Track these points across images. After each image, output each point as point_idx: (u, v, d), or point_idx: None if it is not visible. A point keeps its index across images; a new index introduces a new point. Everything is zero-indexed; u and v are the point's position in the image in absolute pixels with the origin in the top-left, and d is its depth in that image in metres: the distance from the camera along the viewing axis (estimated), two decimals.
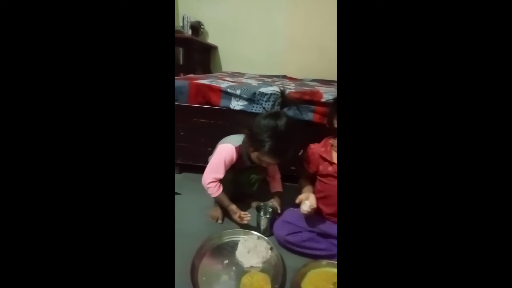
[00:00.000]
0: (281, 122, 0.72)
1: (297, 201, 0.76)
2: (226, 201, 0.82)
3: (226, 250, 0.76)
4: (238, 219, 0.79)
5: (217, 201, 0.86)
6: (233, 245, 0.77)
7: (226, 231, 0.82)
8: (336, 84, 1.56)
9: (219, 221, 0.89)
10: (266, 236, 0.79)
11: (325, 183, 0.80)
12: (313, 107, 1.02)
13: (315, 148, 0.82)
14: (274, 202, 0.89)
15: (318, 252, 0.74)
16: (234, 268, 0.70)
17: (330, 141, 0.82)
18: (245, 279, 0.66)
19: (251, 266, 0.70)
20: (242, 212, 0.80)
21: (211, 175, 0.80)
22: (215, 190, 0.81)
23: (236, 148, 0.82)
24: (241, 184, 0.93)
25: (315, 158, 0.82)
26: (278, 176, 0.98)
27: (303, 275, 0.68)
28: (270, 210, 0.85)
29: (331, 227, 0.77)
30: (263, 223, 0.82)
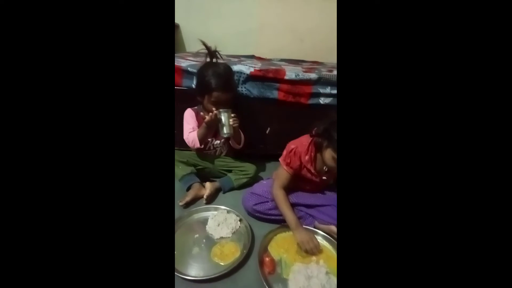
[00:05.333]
0: (218, 65, 0.88)
1: None
2: (202, 127, 0.88)
3: (196, 226, 0.78)
4: (209, 118, 0.84)
5: (201, 135, 0.90)
6: (204, 221, 0.79)
7: (195, 209, 0.84)
8: (303, 63, 1.60)
9: (182, 203, 0.87)
10: (227, 134, 0.86)
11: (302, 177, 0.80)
12: (277, 84, 1.04)
13: (298, 150, 0.75)
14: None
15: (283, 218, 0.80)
16: (204, 240, 0.73)
17: (313, 146, 0.74)
18: (215, 249, 0.70)
19: (221, 237, 0.74)
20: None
21: (186, 131, 0.94)
22: (194, 134, 0.91)
23: (192, 108, 0.97)
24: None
25: (296, 159, 0.75)
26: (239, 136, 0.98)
27: (270, 240, 0.74)
28: (228, 110, 0.86)
29: (295, 196, 0.83)
30: (224, 118, 0.84)
